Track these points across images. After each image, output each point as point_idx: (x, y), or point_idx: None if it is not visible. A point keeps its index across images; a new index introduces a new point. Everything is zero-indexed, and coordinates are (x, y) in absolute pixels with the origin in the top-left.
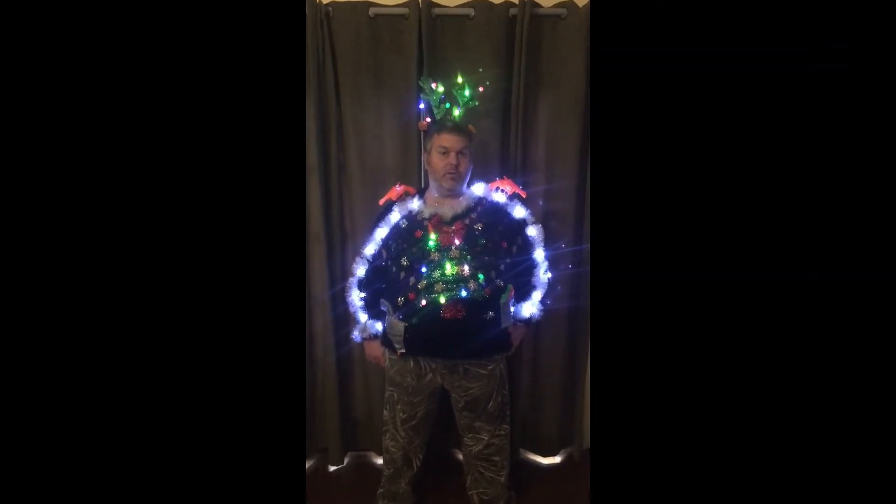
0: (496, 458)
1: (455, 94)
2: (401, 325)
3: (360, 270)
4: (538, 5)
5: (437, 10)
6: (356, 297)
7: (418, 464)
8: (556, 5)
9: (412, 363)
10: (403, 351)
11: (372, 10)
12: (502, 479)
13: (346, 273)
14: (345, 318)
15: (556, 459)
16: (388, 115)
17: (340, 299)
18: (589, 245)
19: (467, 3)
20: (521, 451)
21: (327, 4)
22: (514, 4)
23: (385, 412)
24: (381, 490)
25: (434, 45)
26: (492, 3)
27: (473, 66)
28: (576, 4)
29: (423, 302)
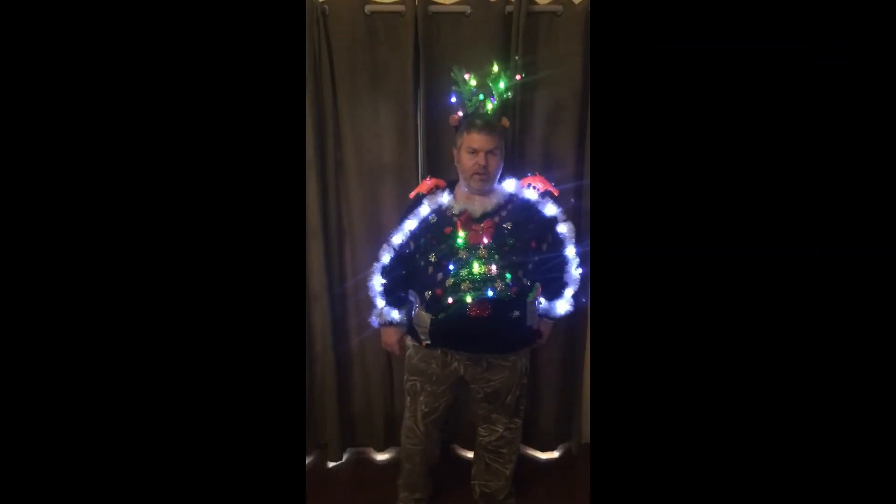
0: (504, 451)
1: (489, 86)
2: (427, 318)
3: (385, 258)
4: (534, 2)
5: (432, 7)
6: (377, 283)
7: (433, 456)
8: (552, 2)
9: (438, 351)
10: (429, 342)
11: (368, 8)
12: (507, 472)
13: (344, 270)
14: (342, 312)
15: (555, 454)
16: (384, 112)
17: (339, 295)
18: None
19: None
20: (520, 445)
21: (323, 2)
22: (509, 1)
23: (407, 403)
24: (401, 481)
25: (430, 42)
26: (488, 0)
27: (470, 64)
28: (572, 1)
29: (450, 300)
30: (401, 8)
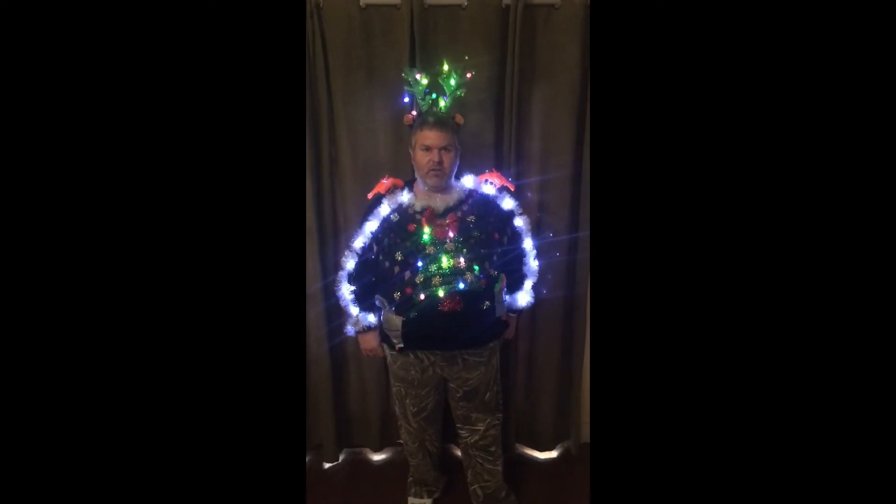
0: (493, 448)
1: (441, 84)
2: (398, 320)
3: (350, 264)
4: None
5: (429, 1)
6: (346, 291)
7: (434, 450)
8: None
9: (413, 356)
10: (402, 346)
11: (363, 1)
12: (500, 469)
13: (339, 267)
14: (337, 311)
15: (553, 454)
16: (380, 107)
17: (332, 292)
18: (581, 233)
19: None
20: (517, 445)
21: None
22: None
23: (396, 408)
24: (411, 478)
25: (426, 36)
26: None
27: (466, 57)
28: None
29: (422, 296)
30: (396, 1)
